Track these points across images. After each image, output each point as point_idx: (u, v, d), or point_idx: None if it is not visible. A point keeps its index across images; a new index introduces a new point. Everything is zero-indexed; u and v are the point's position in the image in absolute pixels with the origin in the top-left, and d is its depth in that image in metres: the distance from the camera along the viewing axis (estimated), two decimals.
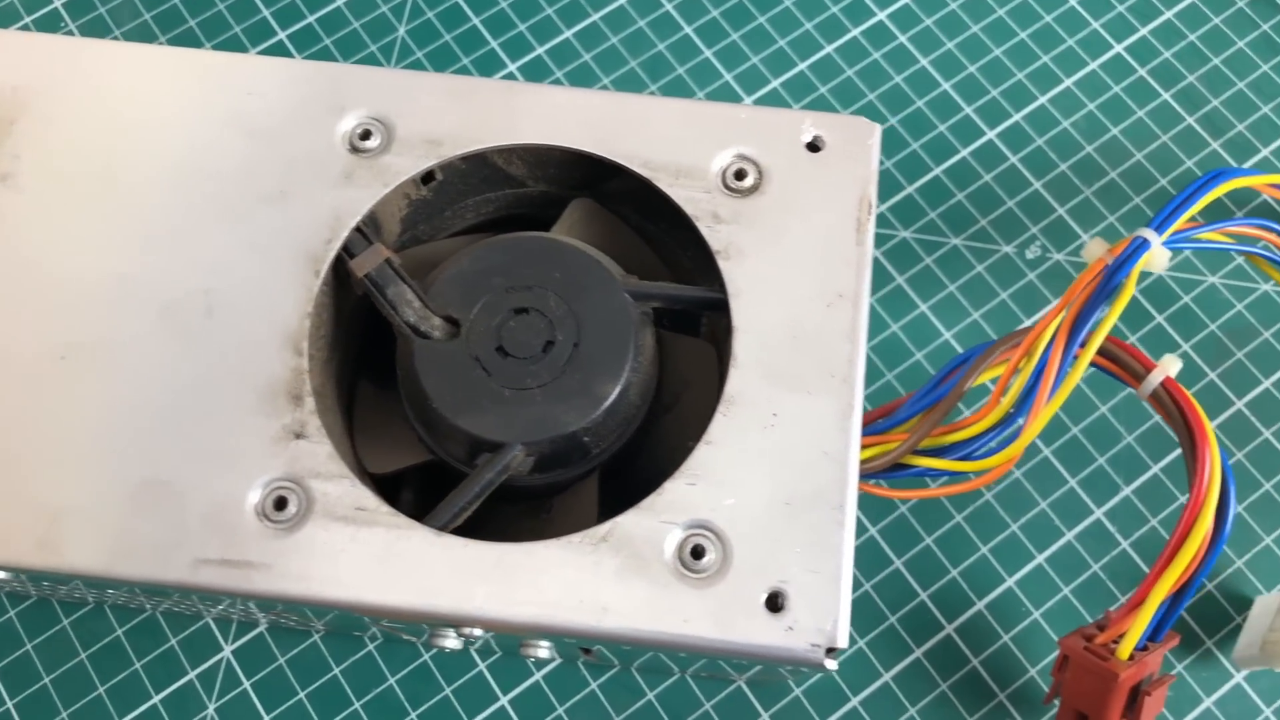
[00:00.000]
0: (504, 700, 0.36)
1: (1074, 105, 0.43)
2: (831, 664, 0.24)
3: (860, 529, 0.37)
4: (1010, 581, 0.37)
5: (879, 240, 0.41)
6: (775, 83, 0.43)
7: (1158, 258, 0.31)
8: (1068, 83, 0.43)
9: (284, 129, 0.27)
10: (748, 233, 0.27)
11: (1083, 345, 0.30)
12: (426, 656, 0.36)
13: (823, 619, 0.24)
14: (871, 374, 0.39)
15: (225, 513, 0.24)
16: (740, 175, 0.27)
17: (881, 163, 0.42)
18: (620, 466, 0.28)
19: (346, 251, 0.27)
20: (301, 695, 0.36)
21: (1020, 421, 0.31)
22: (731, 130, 0.28)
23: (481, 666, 0.36)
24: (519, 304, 0.26)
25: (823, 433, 0.25)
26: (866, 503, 0.38)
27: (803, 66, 0.43)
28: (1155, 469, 0.38)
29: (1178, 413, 0.31)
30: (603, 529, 0.24)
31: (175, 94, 0.28)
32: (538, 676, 0.36)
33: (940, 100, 0.43)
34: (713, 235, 0.27)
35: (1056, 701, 0.33)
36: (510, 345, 0.26)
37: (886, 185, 0.42)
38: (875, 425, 0.33)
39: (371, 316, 0.28)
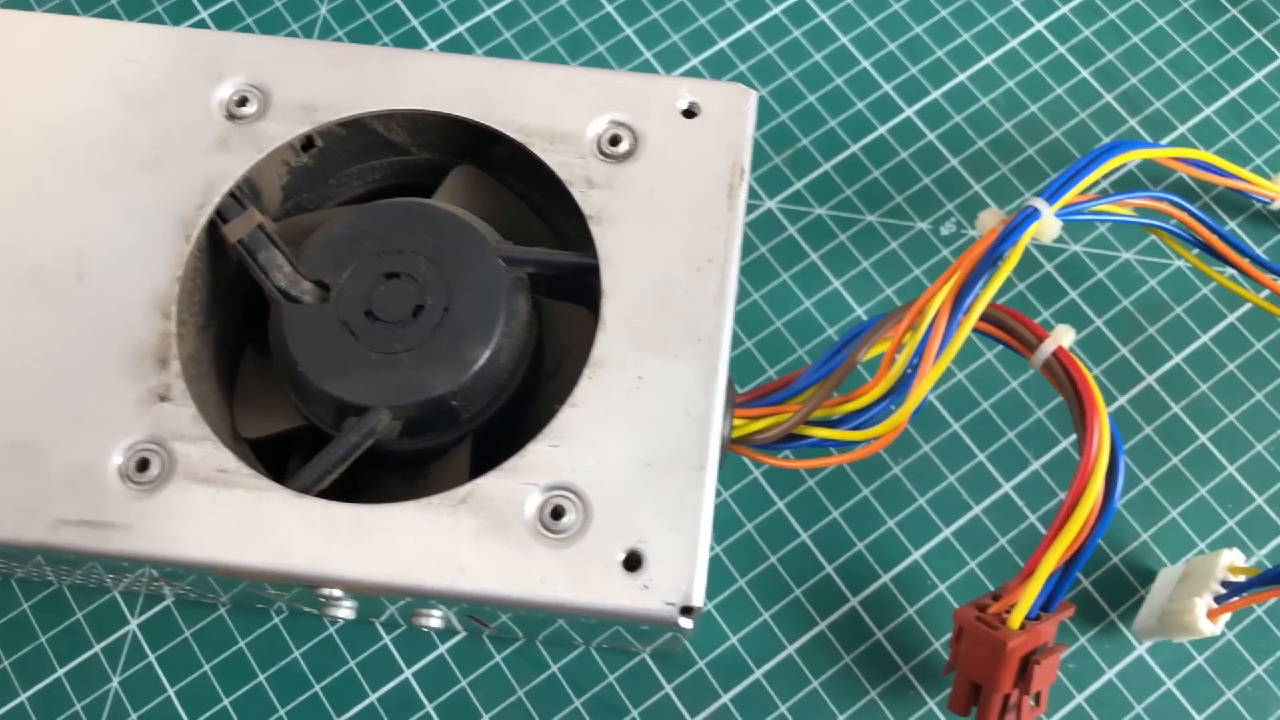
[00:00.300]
0: (408, 673, 0.36)
1: (993, 83, 0.43)
2: (686, 622, 0.24)
3: (767, 502, 0.37)
4: (916, 555, 0.37)
5: (795, 217, 0.41)
6: (695, 60, 0.43)
7: (1048, 227, 0.31)
8: (987, 60, 0.43)
9: (160, 96, 0.27)
10: (621, 198, 0.27)
11: (966, 314, 0.30)
12: (332, 630, 0.36)
13: (679, 578, 0.24)
14: (783, 349, 0.39)
15: (88, 474, 0.24)
16: (615, 141, 0.27)
17: (799, 140, 0.42)
18: (500, 433, 0.28)
19: (220, 217, 0.27)
20: (206, 668, 0.36)
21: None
22: (608, 97, 0.28)
23: (386, 640, 0.36)
24: (389, 269, 0.26)
25: (686, 395, 0.25)
26: (775, 476, 0.38)
27: (723, 44, 0.43)
28: (1064, 444, 0.38)
29: (1068, 382, 0.31)
30: (462, 491, 0.24)
31: (51, 61, 0.28)
32: (442, 649, 0.36)
33: (859, 78, 0.43)
34: (585, 200, 0.27)
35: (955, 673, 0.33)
36: (379, 309, 0.26)
37: (804, 163, 0.42)
38: (774, 396, 0.33)
39: (255, 284, 0.28)
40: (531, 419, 0.29)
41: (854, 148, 0.42)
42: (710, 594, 0.37)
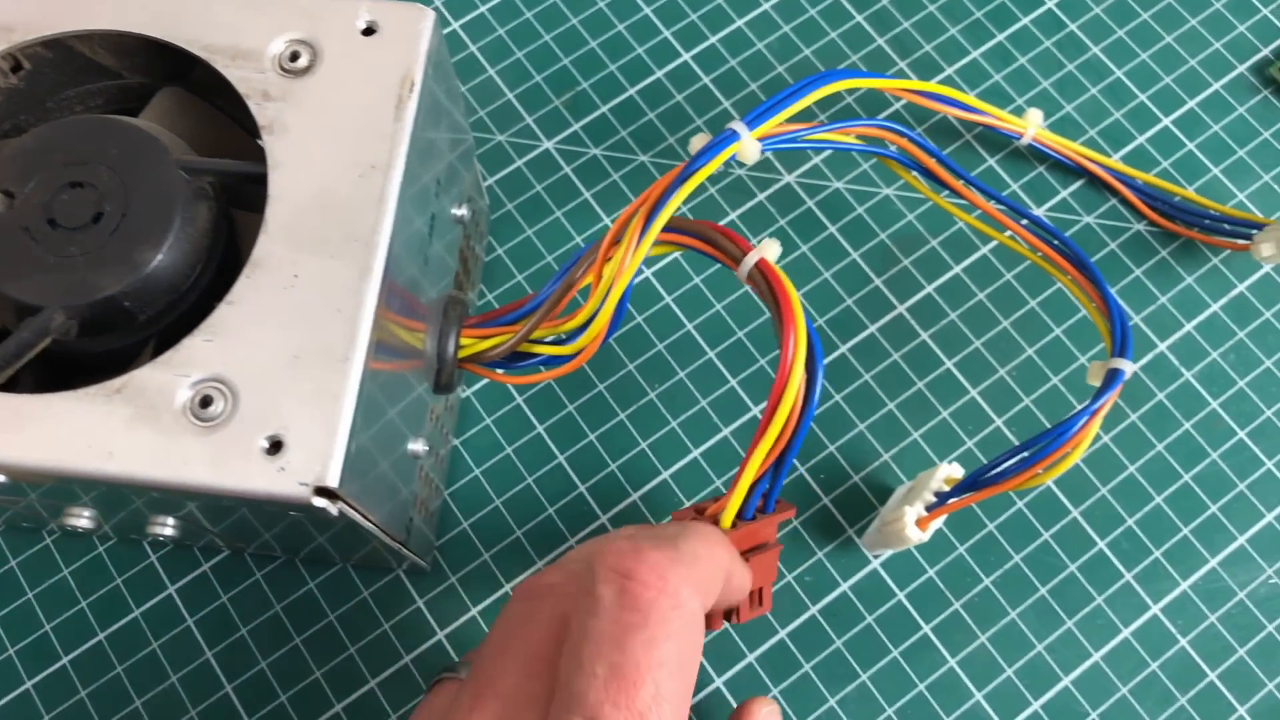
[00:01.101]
0: (171, 589, 0.37)
1: (770, 27, 0.44)
2: (321, 502, 0.25)
3: (527, 426, 0.39)
4: (665, 474, 0.38)
5: (571, 157, 0.42)
6: (483, 8, 0.44)
7: (747, 149, 0.33)
8: (765, 6, 0.44)
9: None
10: (295, 110, 0.28)
11: (653, 223, 0.31)
12: (102, 549, 0.38)
13: (315, 461, 0.25)
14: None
15: None
16: (294, 57, 0.29)
17: (579, 84, 0.43)
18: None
19: None
20: None
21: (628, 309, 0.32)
22: (290, 16, 0.29)
23: (153, 558, 0.38)
24: (73, 178, 0.28)
25: (339, 292, 0.26)
26: (538, 403, 0.39)
27: None
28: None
29: (770, 293, 0.32)
30: (118, 382, 0.26)
31: None
32: (205, 567, 0.37)
33: (640, 24, 0.44)
34: (260, 112, 0.28)
35: None
36: (60, 216, 0.27)
37: (583, 105, 0.43)
38: (502, 319, 0.34)
39: None
40: None
41: (631, 91, 0.43)
42: (465, 513, 0.38)
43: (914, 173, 0.37)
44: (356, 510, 0.27)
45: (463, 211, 0.34)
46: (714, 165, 0.32)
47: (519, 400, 0.39)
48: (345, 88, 0.28)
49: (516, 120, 0.43)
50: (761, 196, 0.42)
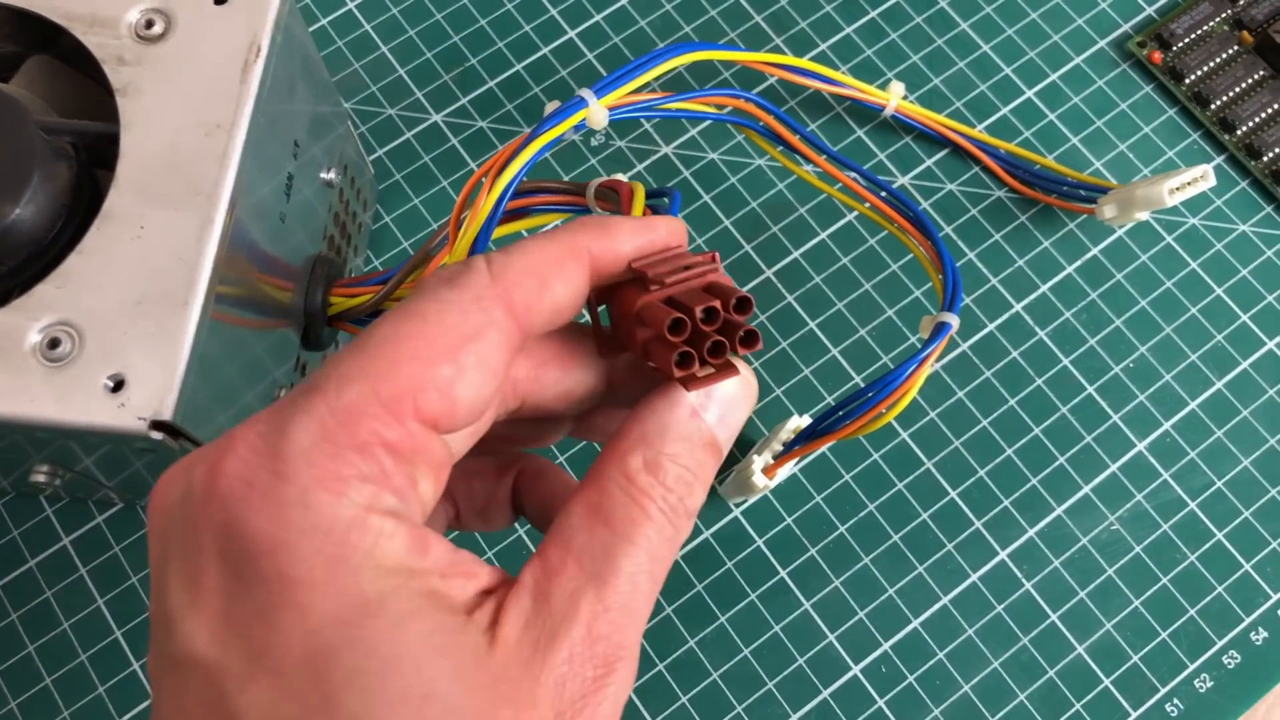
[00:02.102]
0: (66, 541, 0.39)
1: (652, 6, 0.46)
2: (158, 435, 0.27)
3: None
4: None
5: (458, 129, 0.44)
6: None
7: (596, 115, 0.34)
8: None
9: None
10: (149, 74, 0.30)
11: (498, 180, 0.33)
12: (0, 503, 0.39)
13: (153, 398, 0.27)
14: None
15: None
16: (149, 25, 0.30)
17: (468, 60, 0.45)
18: None
19: None
20: None
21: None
22: None
23: (49, 511, 0.39)
24: None
25: (182, 242, 0.28)
26: None
27: None
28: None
29: (613, 192, 0.34)
30: None
31: None
32: (99, 519, 0.39)
33: (528, 3, 0.46)
34: (115, 75, 0.30)
35: None
36: None
37: (472, 80, 0.45)
38: (371, 280, 0.36)
39: None
40: None
41: (518, 66, 0.45)
42: None
43: (776, 145, 0.38)
44: (188, 439, 0.29)
45: (331, 176, 0.36)
46: (561, 128, 0.34)
47: None
48: (196, 53, 0.30)
49: (407, 95, 0.44)
50: (640, 167, 0.43)
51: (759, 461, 0.36)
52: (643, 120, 0.44)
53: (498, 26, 0.46)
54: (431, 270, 0.35)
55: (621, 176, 0.34)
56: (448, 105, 0.44)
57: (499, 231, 0.35)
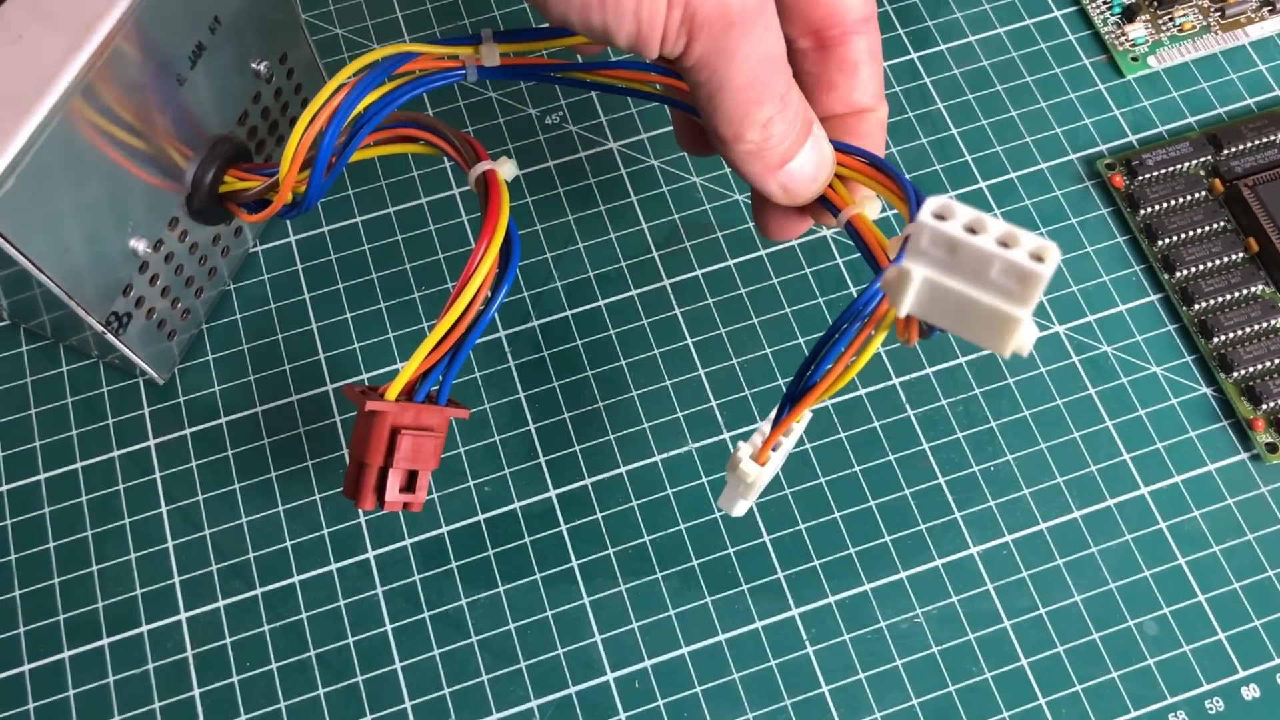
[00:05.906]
0: None
1: None
2: None
3: (296, 288, 0.42)
4: (356, 345, 0.41)
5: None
6: None
7: (485, 53, 0.36)
8: None
9: None
10: None
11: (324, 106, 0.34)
12: None
13: None
14: None
15: None
16: None
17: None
18: None
19: None
20: None
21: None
22: None
23: None
24: None
25: (46, 56, 0.31)
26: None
27: None
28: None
29: (486, 196, 0.35)
30: None
31: None
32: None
33: None
34: None
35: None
36: None
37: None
38: (266, 170, 0.38)
39: None
40: None
41: None
42: (215, 350, 0.41)
43: None
44: (5, 240, 0.31)
45: (261, 68, 0.38)
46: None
47: (297, 266, 0.43)
48: None
49: (359, 19, 0.47)
50: (583, 154, 0.44)
51: (746, 449, 0.33)
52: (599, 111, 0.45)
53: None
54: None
55: (510, 170, 0.35)
56: (397, 36, 0.47)
57: (384, 151, 0.36)
